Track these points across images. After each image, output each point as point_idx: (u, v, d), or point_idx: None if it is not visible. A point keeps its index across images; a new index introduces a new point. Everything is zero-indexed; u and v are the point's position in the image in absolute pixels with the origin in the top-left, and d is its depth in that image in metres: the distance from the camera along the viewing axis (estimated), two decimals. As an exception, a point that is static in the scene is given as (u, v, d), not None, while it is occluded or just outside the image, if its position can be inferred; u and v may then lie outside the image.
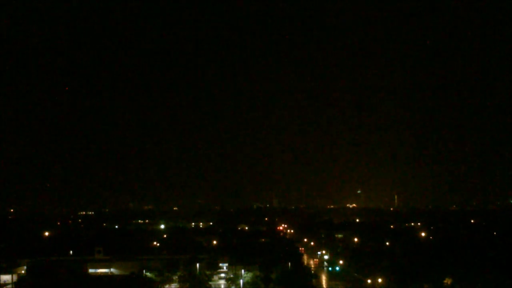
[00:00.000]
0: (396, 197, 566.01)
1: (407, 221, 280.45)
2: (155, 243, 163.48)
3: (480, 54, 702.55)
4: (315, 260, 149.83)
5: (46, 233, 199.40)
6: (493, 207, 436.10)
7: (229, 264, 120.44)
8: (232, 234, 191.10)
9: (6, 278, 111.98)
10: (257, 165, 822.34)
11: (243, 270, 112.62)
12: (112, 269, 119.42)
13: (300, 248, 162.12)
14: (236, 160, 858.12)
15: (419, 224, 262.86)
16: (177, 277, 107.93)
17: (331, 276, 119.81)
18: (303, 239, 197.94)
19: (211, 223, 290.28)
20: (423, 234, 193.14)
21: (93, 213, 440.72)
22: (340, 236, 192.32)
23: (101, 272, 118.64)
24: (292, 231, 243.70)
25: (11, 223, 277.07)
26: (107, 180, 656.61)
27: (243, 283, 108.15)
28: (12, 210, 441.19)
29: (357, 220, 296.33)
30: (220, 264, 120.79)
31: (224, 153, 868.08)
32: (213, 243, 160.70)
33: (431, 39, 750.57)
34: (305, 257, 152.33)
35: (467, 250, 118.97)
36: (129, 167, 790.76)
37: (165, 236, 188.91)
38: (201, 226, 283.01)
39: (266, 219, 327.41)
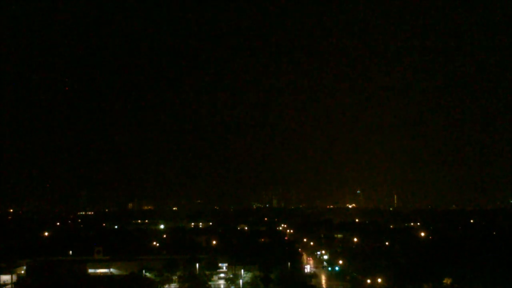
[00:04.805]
0: (396, 197, 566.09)
1: (407, 221, 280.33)
2: (155, 243, 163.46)
3: (481, 54, 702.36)
4: (315, 260, 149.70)
5: (46, 233, 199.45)
6: (493, 207, 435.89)
7: (228, 264, 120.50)
8: (231, 234, 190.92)
9: (6, 278, 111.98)
10: (257, 165, 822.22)
11: (242, 270, 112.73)
12: (111, 269, 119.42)
13: (300, 248, 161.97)
14: (236, 160, 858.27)
15: (419, 224, 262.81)
16: (176, 277, 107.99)
17: (331, 276, 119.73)
18: (303, 239, 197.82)
19: (211, 223, 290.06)
20: (422, 234, 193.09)
21: (93, 213, 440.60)
22: (340, 236, 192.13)
23: (101, 272, 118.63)
24: (292, 231, 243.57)
25: (11, 223, 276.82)
26: (107, 180, 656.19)
27: (243, 283, 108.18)
28: (12, 210, 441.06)
29: (357, 220, 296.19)
30: (220, 264, 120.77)
31: (224, 153, 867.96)
32: (212, 243, 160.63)
33: (431, 39, 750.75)
34: (305, 257, 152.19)
35: (467, 250, 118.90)
36: (129, 167, 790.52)
37: (164, 236, 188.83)
38: (200, 226, 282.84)
39: (266, 219, 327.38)
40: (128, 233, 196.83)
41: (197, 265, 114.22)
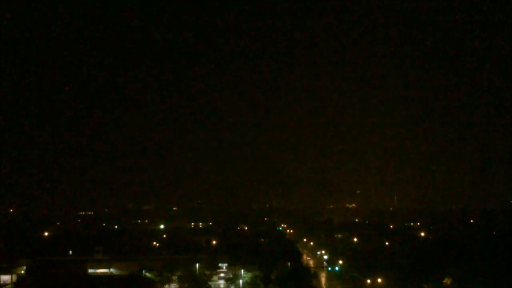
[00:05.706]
0: (395, 197, 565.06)
1: (407, 221, 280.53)
2: (155, 243, 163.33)
3: (480, 54, 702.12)
4: (315, 260, 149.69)
5: (46, 233, 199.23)
6: (493, 207, 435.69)
7: (228, 264, 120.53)
8: (231, 234, 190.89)
9: (6, 278, 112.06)
10: (257, 165, 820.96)
11: (242, 270, 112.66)
12: (112, 269, 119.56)
13: (300, 248, 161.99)
14: (235, 160, 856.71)
15: (418, 224, 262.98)
16: (176, 277, 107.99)
17: (331, 276, 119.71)
18: (303, 239, 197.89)
19: (211, 223, 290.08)
20: (422, 234, 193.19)
21: (93, 213, 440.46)
22: (340, 236, 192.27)
23: (101, 272, 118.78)
24: (292, 231, 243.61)
25: (11, 223, 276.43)
26: (107, 180, 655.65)
27: (243, 283, 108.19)
28: (12, 210, 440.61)
29: (357, 220, 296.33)
30: (220, 264, 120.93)
31: (224, 153, 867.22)
32: (212, 243, 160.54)
33: (431, 38, 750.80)
34: (305, 257, 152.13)
35: (467, 250, 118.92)
36: (129, 167, 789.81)
37: (164, 236, 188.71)
38: (200, 226, 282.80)
39: (266, 219, 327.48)
40: (128, 233, 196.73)
41: (197, 265, 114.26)
